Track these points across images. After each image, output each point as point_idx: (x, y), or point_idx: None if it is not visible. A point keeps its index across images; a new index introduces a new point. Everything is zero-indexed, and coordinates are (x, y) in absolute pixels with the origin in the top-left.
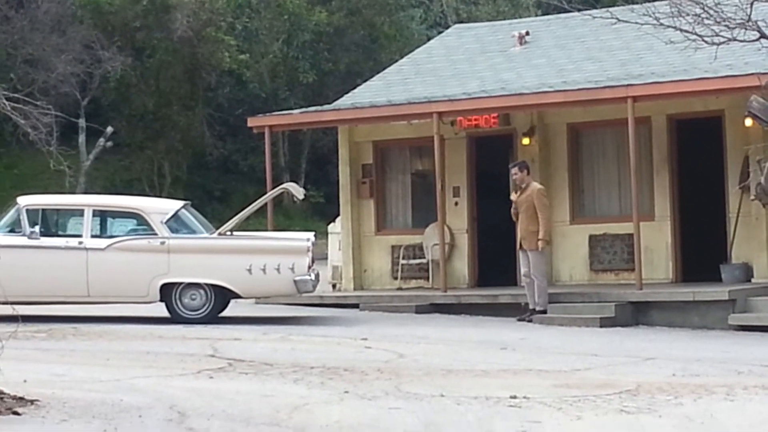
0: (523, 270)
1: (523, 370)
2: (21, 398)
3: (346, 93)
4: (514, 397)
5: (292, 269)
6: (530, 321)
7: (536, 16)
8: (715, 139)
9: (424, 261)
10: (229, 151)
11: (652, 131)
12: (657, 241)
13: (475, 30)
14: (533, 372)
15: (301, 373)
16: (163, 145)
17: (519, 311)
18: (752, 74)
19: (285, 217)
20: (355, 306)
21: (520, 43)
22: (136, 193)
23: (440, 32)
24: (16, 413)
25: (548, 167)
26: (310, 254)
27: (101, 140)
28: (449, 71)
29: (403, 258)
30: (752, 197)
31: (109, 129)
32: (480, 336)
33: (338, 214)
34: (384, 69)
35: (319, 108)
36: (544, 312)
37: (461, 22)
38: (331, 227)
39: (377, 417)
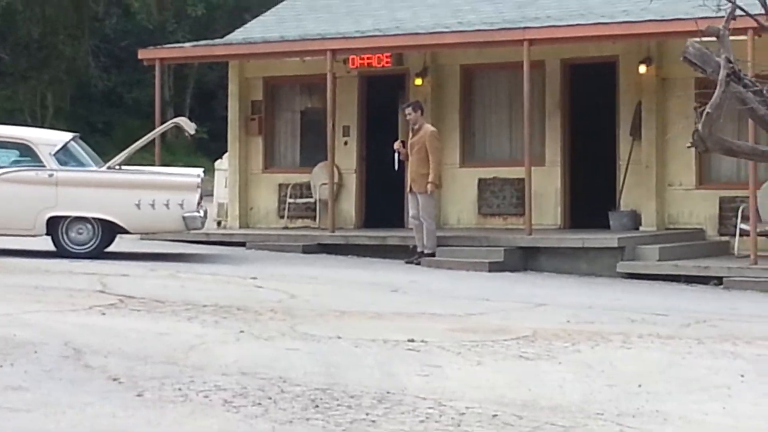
0: (411, 212)
1: (416, 314)
2: None
3: (236, 28)
4: (412, 341)
5: (182, 205)
6: (418, 264)
7: None
8: (608, 85)
9: (311, 200)
10: (114, 84)
11: (545, 75)
12: (547, 187)
13: None
14: (427, 315)
15: (194, 311)
16: (48, 74)
17: (407, 254)
18: (649, 21)
19: (168, 152)
20: (242, 244)
21: None
22: (18, 123)
23: None
24: None
25: (440, 109)
26: (199, 191)
27: None
28: (343, 8)
29: (290, 197)
30: (688, 144)
31: None
32: (369, 278)
33: (225, 151)
34: (275, 5)
35: (211, 42)
36: (433, 255)
37: None
38: (217, 164)
39: (275, 357)
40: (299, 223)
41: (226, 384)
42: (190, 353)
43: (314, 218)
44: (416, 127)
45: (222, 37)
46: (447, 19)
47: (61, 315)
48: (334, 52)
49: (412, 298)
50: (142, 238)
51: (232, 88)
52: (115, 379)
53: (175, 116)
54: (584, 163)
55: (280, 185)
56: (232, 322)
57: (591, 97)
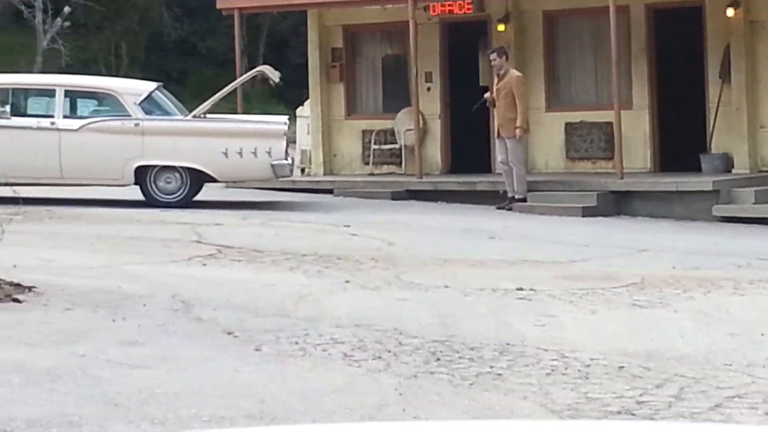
0: (499, 157)
1: (518, 261)
2: (18, 285)
3: None
4: (521, 289)
5: (269, 153)
6: (510, 209)
7: None
8: (694, 29)
9: (396, 146)
10: (186, 33)
11: (630, 20)
12: (635, 130)
13: None
14: (530, 263)
15: (294, 260)
16: (121, 25)
17: (497, 199)
18: None
19: (244, 100)
20: (329, 191)
21: None
22: (93, 73)
23: None
24: (16, 300)
25: (524, 54)
26: (286, 138)
27: (58, 20)
28: None
29: (375, 143)
30: None
31: (66, 9)
32: (463, 224)
33: (303, 99)
34: None
35: None
36: (524, 200)
37: None
38: (299, 111)
39: (386, 308)
40: (384, 169)
41: (343, 336)
42: (300, 304)
43: (399, 164)
44: (501, 72)
45: None
46: None
47: (162, 266)
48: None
49: (511, 244)
50: (227, 186)
51: (312, 36)
52: (229, 333)
53: (250, 66)
54: (672, 106)
55: (363, 131)
56: (334, 271)
57: (677, 42)
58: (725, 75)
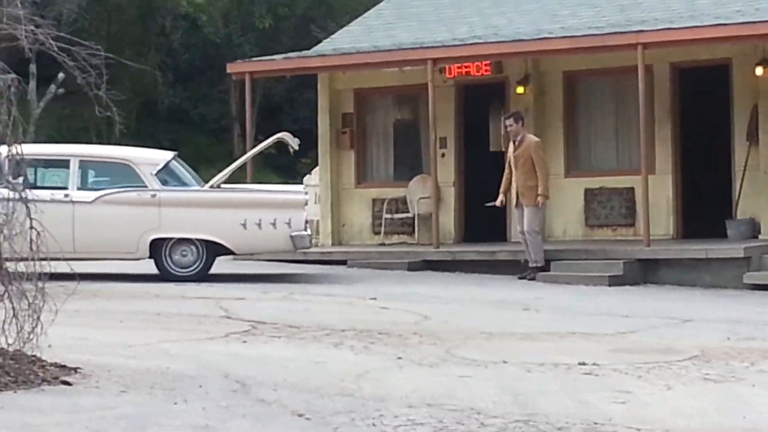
0: (519, 227)
1: (565, 333)
2: (62, 366)
3: (302, 40)
4: (584, 364)
5: (289, 224)
6: (533, 279)
7: None
8: (720, 89)
9: (408, 215)
10: (180, 99)
11: (654, 80)
12: (658, 196)
13: None
14: (578, 335)
15: (334, 336)
16: (114, 92)
17: (516, 268)
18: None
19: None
20: (342, 262)
21: None
22: (85, 142)
23: None
24: (66, 383)
25: (543, 117)
26: (307, 208)
27: (52, 87)
28: (434, 16)
29: (387, 212)
30: None
31: (61, 75)
32: (491, 295)
33: (303, 167)
34: (336, 16)
35: (303, 54)
36: (540, 269)
37: None
38: (306, 179)
39: (452, 386)
40: (395, 239)
41: (419, 417)
42: (361, 383)
43: (411, 233)
44: (518, 138)
45: (292, 50)
46: (546, 24)
47: (202, 344)
48: (435, 61)
49: (548, 315)
50: (235, 259)
51: (322, 101)
52: (300, 415)
53: (243, 133)
54: (696, 170)
55: (373, 200)
56: (381, 347)
57: (702, 102)
58: (753, 137)
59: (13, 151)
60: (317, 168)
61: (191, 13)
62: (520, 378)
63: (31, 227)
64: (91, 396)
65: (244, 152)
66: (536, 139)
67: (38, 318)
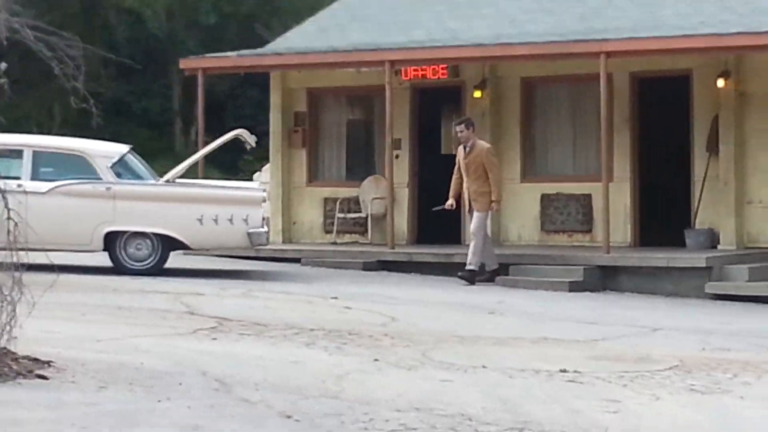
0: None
1: (538, 339)
2: (35, 359)
3: (247, 39)
4: (565, 371)
5: (246, 221)
6: (491, 281)
7: None
8: (680, 99)
9: (361, 215)
10: (123, 93)
11: (613, 89)
12: (616, 203)
13: None
14: (550, 341)
15: (304, 335)
16: (56, 83)
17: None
18: (739, 33)
19: (177, 163)
20: (296, 260)
21: None
22: (25, 132)
23: None
24: (42, 377)
25: (500, 122)
26: (264, 205)
27: None
28: (389, 18)
29: (339, 212)
30: None
31: (3, 65)
32: (452, 298)
33: (258, 164)
34: (280, 15)
35: (259, 51)
36: (474, 272)
37: None
38: (256, 176)
39: (436, 391)
40: (347, 238)
41: (410, 422)
42: (343, 384)
43: (363, 233)
44: (469, 144)
45: (237, 48)
46: (505, 29)
47: (171, 339)
48: (393, 62)
49: (515, 320)
50: (185, 253)
51: (275, 99)
52: (288, 416)
53: (184, 128)
54: (655, 179)
55: (325, 199)
56: (354, 348)
57: (662, 112)
58: (713, 148)
59: None
60: (267, 165)
61: (136, 7)
62: (503, 384)
63: (9, 218)
64: (70, 391)
65: (187, 147)
66: (488, 145)
67: (14, 310)
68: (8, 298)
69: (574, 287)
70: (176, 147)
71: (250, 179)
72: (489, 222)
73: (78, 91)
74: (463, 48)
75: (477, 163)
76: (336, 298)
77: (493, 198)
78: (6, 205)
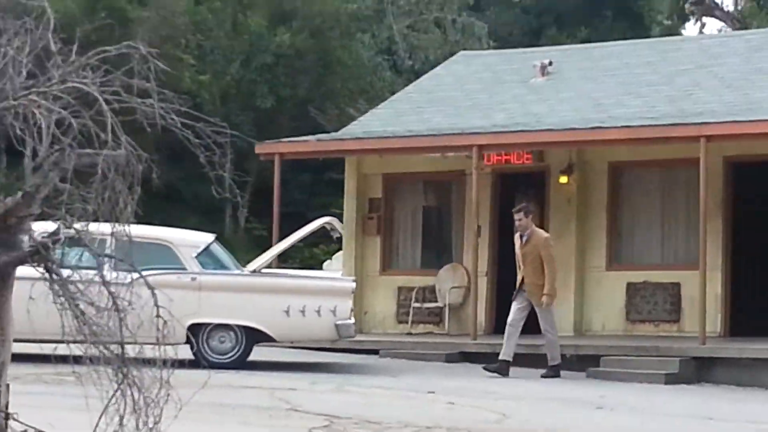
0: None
1: None
2: None
3: (301, 122)
4: None
5: (334, 312)
6: (553, 376)
7: (489, 47)
8: None
9: (438, 305)
10: (173, 179)
11: (708, 174)
12: (707, 292)
13: (483, 58)
14: None
15: None
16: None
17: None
18: None
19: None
20: (374, 352)
21: (543, 74)
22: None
23: (387, 59)
24: None
25: (585, 208)
26: (353, 297)
27: None
28: (467, 101)
29: (415, 301)
30: None
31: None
32: (551, 391)
33: (339, 250)
34: (334, 96)
35: (338, 136)
36: (556, 366)
37: (411, 49)
38: (326, 265)
39: None
40: (421, 328)
41: None
42: None
43: (438, 323)
44: (527, 233)
45: (293, 132)
46: (590, 113)
47: None
48: (480, 147)
49: (628, 417)
50: (259, 345)
51: (350, 185)
52: None
53: (233, 212)
54: (747, 266)
55: (399, 288)
56: None
57: (755, 197)
58: None
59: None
60: (339, 253)
61: (194, 90)
62: None
63: (158, 315)
64: None
65: (235, 233)
66: (546, 234)
67: (161, 411)
68: (157, 399)
69: (670, 380)
70: (226, 233)
71: (320, 268)
72: (554, 310)
73: (222, 181)
74: (553, 132)
75: (534, 254)
76: (433, 392)
77: (544, 291)
78: (155, 303)
